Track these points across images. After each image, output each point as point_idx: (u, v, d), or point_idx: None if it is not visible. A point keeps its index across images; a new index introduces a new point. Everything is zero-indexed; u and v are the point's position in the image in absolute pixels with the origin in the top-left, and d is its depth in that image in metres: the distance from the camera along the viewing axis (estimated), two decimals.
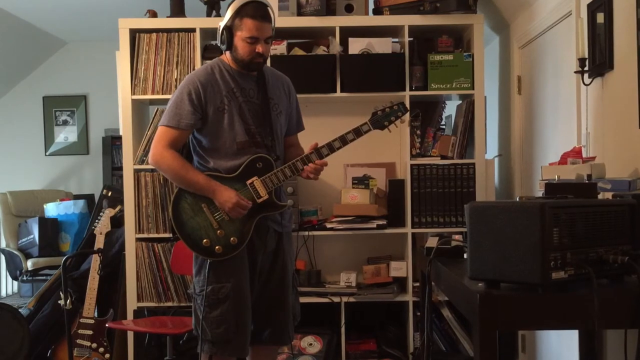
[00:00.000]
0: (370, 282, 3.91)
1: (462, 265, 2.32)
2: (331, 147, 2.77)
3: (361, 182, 3.90)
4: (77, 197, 6.48)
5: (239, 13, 2.67)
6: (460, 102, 4.11)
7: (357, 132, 2.81)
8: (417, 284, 3.66)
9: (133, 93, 3.88)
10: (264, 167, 2.74)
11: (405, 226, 3.89)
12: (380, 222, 3.84)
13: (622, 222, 1.97)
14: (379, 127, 2.86)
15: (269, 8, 2.70)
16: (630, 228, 1.98)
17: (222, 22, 2.73)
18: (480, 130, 3.86)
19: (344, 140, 2.78)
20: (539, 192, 2.45)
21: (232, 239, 2.69)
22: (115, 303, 4.05)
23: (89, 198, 6.38)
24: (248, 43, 2.67)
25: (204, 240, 2.69)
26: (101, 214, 4.06)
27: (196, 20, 3.89)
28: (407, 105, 3.23)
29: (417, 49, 3.91)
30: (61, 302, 3.80)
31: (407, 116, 3.07)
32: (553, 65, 3.40)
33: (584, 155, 2.72)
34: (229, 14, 2.69)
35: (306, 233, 3.90)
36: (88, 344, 3.89)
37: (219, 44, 2.78)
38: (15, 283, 6.56)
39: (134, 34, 3.89)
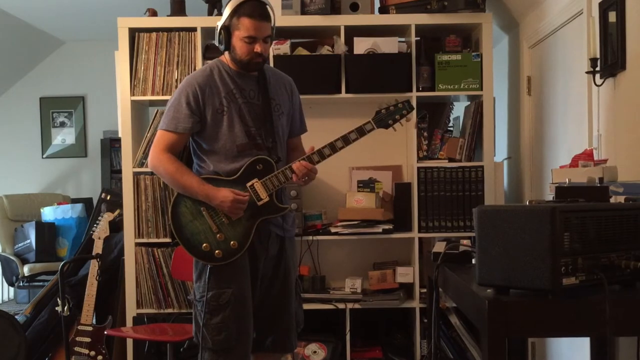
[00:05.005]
0: (376, 288, 3.86)
1: (470, 271, 2.30)
2: (333, 147, 2.73)
3: (367, 185, 3.86)
4: (74, 200, 6.46)
5: (236, 12, 2.64)
6: (469, 103, 4.09)
7: (360, 132, 2.76)
8: (424, 290, 3.65)
9: (132, 94, 3.84)
10: (265, 169, 2.70)
11: (412, 231, 3.85)
12: (386, 227, 3.80)
13: (635, 227, 1.95)
14: (383, 125, 2.82)
15: (267, 6, 2.67)
16: None
17: (219, 22, 2.70)
18: (489, 132, 3.82)
19: (346, 140, 2.74)
20: (549, 195, 2.42)
21: (232, 243, 2.66)
22: (114, 310, 4.01)
23: (87, 202, 6.35)
24: (246, 43, 2.64)
25: (204, 245, 2.66)
26: (99, 218, 4.01)
27: (197, 20, 3.84)
28: (414, 105, 3.17)
29: (424, 49, 3.87)
30: (58, 308, 3.79)
31: (413, 115, 3.02)
32: (564, 66, 3.38)
33: (595, 157, 2.71)
34: (226, 13, 2.67)
35: (310, 238, 3.85)
36: (86, 351, 3.84)
37: (217, 44, 2.74)
38: (12, 289, 6.54)
39: (134, 33, 3.85)
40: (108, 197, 4.35)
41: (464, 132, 3.90)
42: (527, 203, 2.09)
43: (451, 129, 4.01)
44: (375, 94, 3.75)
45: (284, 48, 3.82)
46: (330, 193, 4.05)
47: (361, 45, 3.80)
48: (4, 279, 6.17)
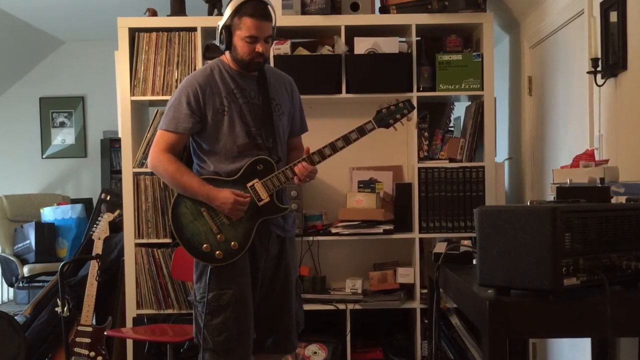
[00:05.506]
0: (377, 289, 3.85)
1: (471, 272, 2.30)
2: (334, 147, 2.72)
3: (367, 185, 3.84)
4: (74, 201, 6.43)
5: (237, 12, 2.63)
6: (470, 103, 4.07)
7: (361, 131, 2.76)
8: (425, 291, 3.65)
9: (132, 94, 3.82)
10: (265, 169, 2.70)
11: (412, 231, 3.83)
12: (387, 227, 3.78)
13: (636, 227, 1.95)
14: (383, 125, 2.81)
15: (269, 6, 2.67)
16: None
17: (220, 22, 2.70)
18: (490, 132, 3.80)
19: (347, 140, 2.74)
20: (551, 196, 2.42)
21: (232, 243, 2.65)
22: (114, 310, 4.00)
23: (87, 202, 6.32)
24: (247, 42, 2.63)
25: (204, 245, 2.65)
26: (99, 218, 4.01)
27: (197, 19, 3.83)
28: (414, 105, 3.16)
29: (425, 49, 3.85)
30: (58, 309, 3.78)
31: (414, 114, 3.00)
32: (565, 66, 3.36)
33: (596, 158, 2.70)
34: (227, 12, 2.66)
35: (310, 238, 3.84)
36: (86, 352, 3.83)
37: (218, 44, 2.73)
38: (11, 290, 6.49)
39: (134, 33, 3.84)
40: (108, 198, 4.34)
41: (465, 133, 3.88)
42: (528, 203, 2.08)
43: (452, 129, 3.99)
44: (375, 94, 3.73)
45: (284, 48, 3.80)
46: (330, 193, 4.04)
47: (362, 45, 3.78)
48: (3, 280, 6.14)
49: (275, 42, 3.60)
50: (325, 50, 3.85)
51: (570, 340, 3.22)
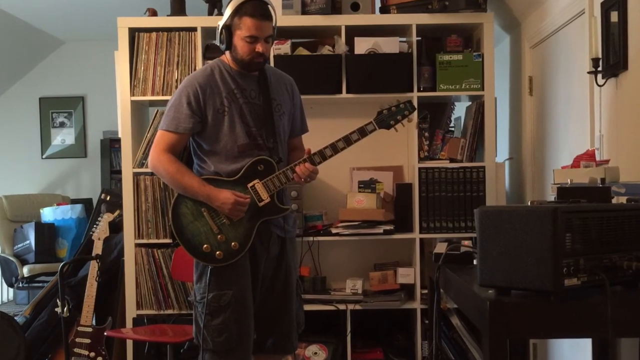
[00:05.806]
0: (377, 289, 3.84)
1: (472, 272, 2.30)
2: (335, 148, 2.73)
3: (367, 185, 3.84)
4: (74, 201, 6.42)
5: (238, 11, 2.63)
6: (470, 103, 4.06)
7: (362, 132, 2.75)
8: (425, 291, 3.64)
9: (132, 94, 3.82)
10: (266, 169, 2.69)
11: (413, 231, 3.83)
12: (387, 227, 3.77)
13: (637, 228, 1.95)
14: (384, 126, 2.81)
15: (269, 6, 2.66)
16: None
17: (221, 21, 2.69)
18: (491, 132, 3.80)
19: (347, 141, 2.74)
20: (551, 196, 2.42)
21: (233, 244, 2.65)
22: (114, 311, 4.00)
23: (86, 202, 6.32)
24: (247, 42, 2.63)
25: (204, 246, 2.65)
26: (99, 218, 4.01)
27: (197, 19, 3.83)
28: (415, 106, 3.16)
29: (426, 49, 3.85)
30: (58, 309, 3.78)
31: (414, 115, 2.99)
32: (565, 66, 3.36)
33: (597, 158, 2.70)
34: (227, 12, 2.66)
35: (311, 238, 3.83)
36: (86, 352, 3.83)
37: (218, 44, 2.73)
38: (11, 290, 6.49)
39: (133, 33, 3.84)
40: (108, 198, 4.34)
41: (465, 133, 3.87)
42: (529, 204, 2.09)
43: (452, 129, 3.99)
44: (376, 94, 3.73)
45: (284, 48, 3.80)
46: (331, 193, 4.03)
47: (362, 45, 3.78)
48: (3, 280, 6.14)
49: (275, 42, 3.60)
50: (326, 50, 3.85)
51: (570, 340, 3.22)
